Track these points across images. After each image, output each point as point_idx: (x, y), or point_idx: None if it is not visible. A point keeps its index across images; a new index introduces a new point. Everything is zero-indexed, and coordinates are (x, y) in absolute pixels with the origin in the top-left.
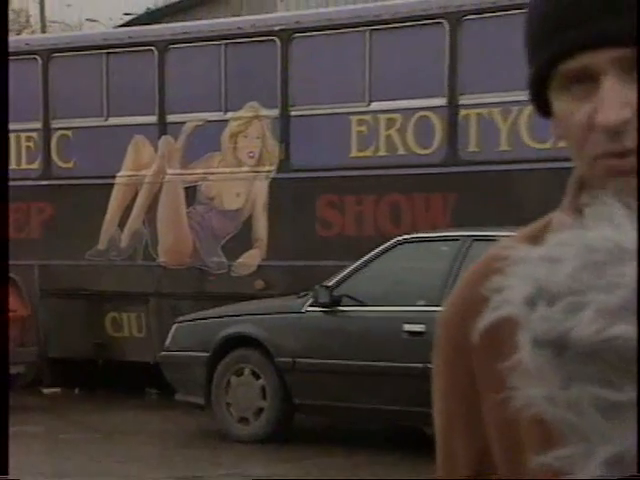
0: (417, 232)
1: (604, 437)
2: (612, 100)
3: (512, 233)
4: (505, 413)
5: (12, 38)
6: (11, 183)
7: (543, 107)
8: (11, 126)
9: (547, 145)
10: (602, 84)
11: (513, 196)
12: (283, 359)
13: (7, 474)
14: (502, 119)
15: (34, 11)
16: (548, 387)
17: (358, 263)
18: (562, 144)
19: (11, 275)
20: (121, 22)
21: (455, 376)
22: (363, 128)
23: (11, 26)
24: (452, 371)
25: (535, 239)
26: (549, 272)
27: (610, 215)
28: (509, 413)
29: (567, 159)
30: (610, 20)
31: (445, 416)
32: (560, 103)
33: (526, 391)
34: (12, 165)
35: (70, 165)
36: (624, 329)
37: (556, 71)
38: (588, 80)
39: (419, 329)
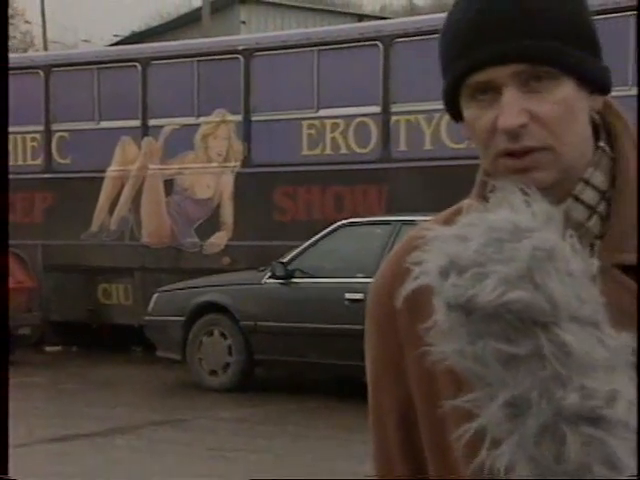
0: (356, 217)
1: (504, 383)
2: (511, 107)
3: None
4: (424, 366)
5: (18, 55)
6: (18, 176)
7: (455, 113)
8: (18, 129)
9: (463, 145)
10: (503, 94)
11: (436, 188)
12: (246, 322)
13: (7, 474)
14: (426, 124)
15: (37, 33)
16: (458, 343)
17: (308, 243)
18: (474, 144)
19: (18, 252)
20: (111, 42)
21: (384, 336)
22: (312, 131)
23: (18, 45)
24: (381, 332)
25: (449, 221)
26: (459, 248)
27: (509, 201)
28: (427, 366)
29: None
30: (511, 41)
31: (375, 371)
32: (469, 110)
33: (440, 347)
34: (19, 161)
35: (67, 161)
36: (520, 294)
37: (466, 83)
38: (492, 91)
39: (359, 297)
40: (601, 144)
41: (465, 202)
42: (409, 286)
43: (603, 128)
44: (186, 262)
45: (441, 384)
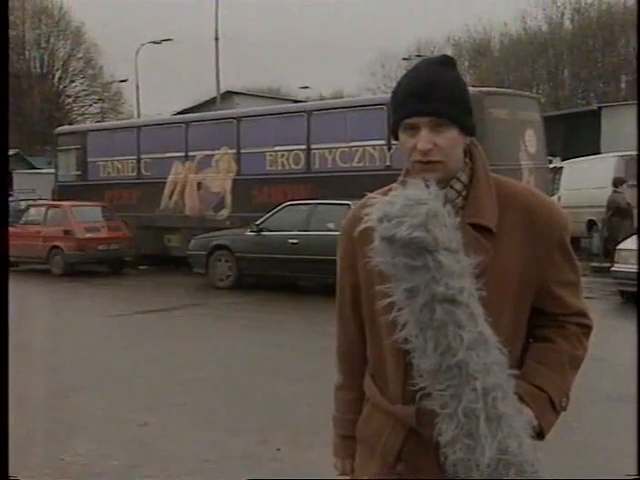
0: (294, 201)
1: (406, 280)
2: (424, 139)
3: (336, 202)
4: (367, 268)
5: (126, 121)
6: (123, 181)
7: (396, 136)
8: (124, 158)
9: (347, 165)
10: (421, 131)
11: (333, 187)
12: (238, 254)
13: (7, 473)
14: (329, 155)
15: (135, 110)
16: (385, 257)
17: (269, 214)
18: (353, 165)
19: (125, 220)
20: (171, 114)
21: (346, 251)
22: (272, 158)
23: (125, 117)
24: (345, 249)
25: (385, 194)
26: (389, 207)
27: (417, 185)
28: (368, 268)
29: (355, 171)
30: (428, 104)
31: (340, 269)
32: (402, 136)
33: (376, 259)
34: (125, 173)
35: (149, 173)
36: (419, 234)
37: (402, 122)
38: (416, 129)
39: (295, 242)
40: (467, 160)
41: (394, 185)
42: (362, 226)
43: (468, 153)
44: (207, 224)
45: (374, 278)
